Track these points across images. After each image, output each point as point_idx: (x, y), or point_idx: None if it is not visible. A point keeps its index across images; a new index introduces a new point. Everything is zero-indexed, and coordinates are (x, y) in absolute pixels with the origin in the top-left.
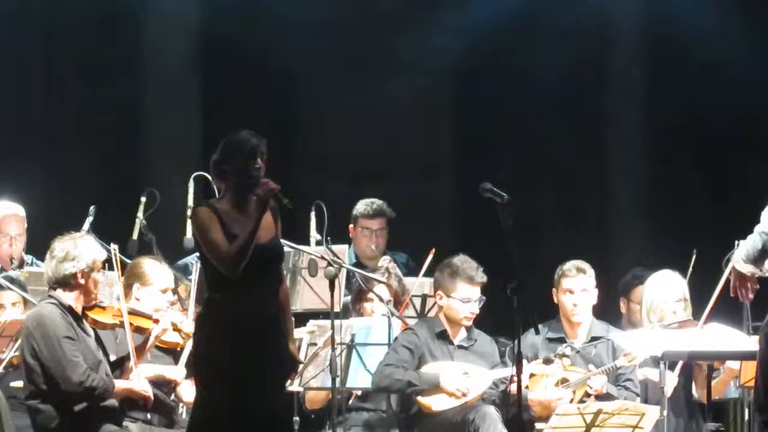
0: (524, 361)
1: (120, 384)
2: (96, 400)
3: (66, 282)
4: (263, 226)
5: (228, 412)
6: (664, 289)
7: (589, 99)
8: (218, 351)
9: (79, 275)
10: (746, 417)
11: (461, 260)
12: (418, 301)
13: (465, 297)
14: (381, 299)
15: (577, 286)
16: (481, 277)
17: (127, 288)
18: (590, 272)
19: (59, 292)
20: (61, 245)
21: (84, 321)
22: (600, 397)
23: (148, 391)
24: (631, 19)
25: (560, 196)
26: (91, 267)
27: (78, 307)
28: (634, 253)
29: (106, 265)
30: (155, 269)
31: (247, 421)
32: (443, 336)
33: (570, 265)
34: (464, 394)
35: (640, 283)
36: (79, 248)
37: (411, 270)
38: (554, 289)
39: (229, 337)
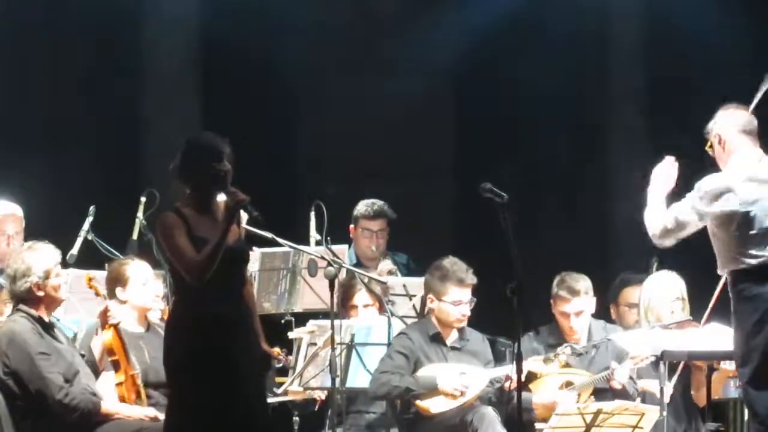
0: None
1: (118, 408)
2: (82, 419)
3: (26, 298)
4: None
5: (197, 414)
6: (662, 289)
7: (589, 99)
8: (184, 353)
9: (35, 289)
10: (746, 417)
11: (450, 262)
12: (417, 302)
13: (456, 300)
14: (381, 299)
15: (572, 310)
16: (471, 278)
17: (112, 296)
18: (585, 288)
19: (25, 307)
20: (12, 264)
21: (55, 329)
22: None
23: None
24: (631, 19)
25: (560, 196)
26: (45, 276)
27: (46, 317)
28: (634, 254)
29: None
30: (129, 267)
31: (220, 420)
32: (437, 338)
33: (564, 290)
34: (462, 393)
35: (625, 286)
36: (27, 262)
37: (411, 271)
38: (552, 301)
39: (192, 339)
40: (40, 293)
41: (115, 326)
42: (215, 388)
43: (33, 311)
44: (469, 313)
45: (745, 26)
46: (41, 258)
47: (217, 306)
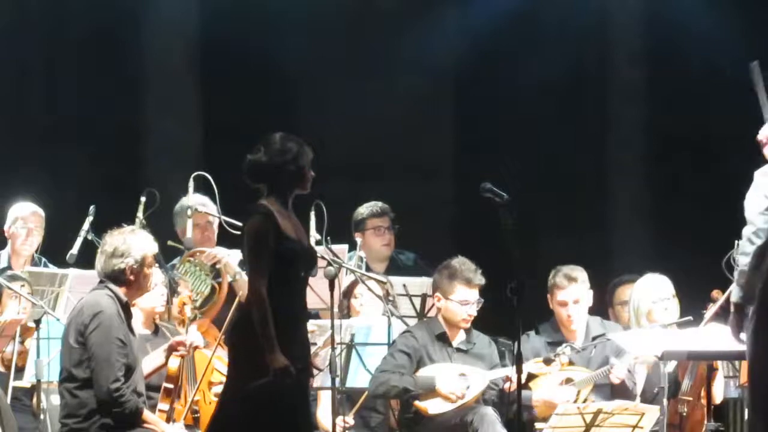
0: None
1: (156, 420)
2: (121, 415)
3: (116, 277)
4: (302, 228)
5: (253, 404)
6: (650, 290)
7: (589, 99)
8: (252, 346)
9: (128, 271)
10: (746, 417)
11: (459, 262)
12: (417, 301)
13: (463, 299)
14: (382, 299)
15: (569, 297)
16: (479, 279)
17: None
18: (581, 277)
19: (113, 286)
20: (111, 240)
21: (132, 320)
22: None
23: None
24: (631, 19)
25: (560, 196)
26: (141, 262)
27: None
28: (634, 254)
29: None
30: None
31: (293, 411)
32: (443, 338)
33: (561, 276)
34: (459, 398)
35: (618, 286)
36: (128, 243)
37: (419, 270)
38: (549, 295)
39: (284, 331)
40: (132, 277)
41: (186, 358)
42: (293, 378)
43: (121, 294)
44: (475, 314)
45: (744, 27)
46: (142, 243)
47: (290, 303)
